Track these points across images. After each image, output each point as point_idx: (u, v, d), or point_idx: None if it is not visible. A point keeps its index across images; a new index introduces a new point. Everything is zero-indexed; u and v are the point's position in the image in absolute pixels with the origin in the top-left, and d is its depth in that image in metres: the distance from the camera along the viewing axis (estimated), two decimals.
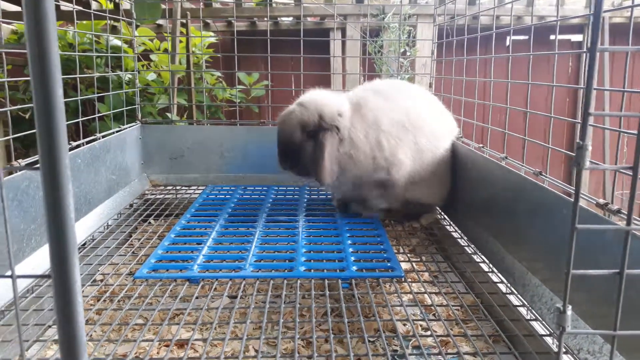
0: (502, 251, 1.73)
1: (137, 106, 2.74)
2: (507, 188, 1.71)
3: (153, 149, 2.75)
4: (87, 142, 2.17)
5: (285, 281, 1.62)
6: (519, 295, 1.56)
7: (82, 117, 2.17)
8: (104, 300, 1.53)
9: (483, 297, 1.59)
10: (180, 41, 4.47)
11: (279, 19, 6.47)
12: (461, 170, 2.15)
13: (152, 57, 4.71)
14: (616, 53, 6.79)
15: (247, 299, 1.63)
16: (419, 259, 1.91)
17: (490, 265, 1.77)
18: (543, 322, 1.39)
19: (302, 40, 2.68)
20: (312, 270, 1.68)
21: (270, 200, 2.47)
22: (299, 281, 1.61)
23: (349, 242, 1.92)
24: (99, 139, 2.27)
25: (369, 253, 1.84)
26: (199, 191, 2.69)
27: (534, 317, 1.43)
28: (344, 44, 6.44)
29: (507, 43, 2.22)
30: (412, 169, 2.10)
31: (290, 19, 6.59)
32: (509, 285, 1.62)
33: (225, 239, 1.96)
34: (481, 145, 2.05)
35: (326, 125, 2.02)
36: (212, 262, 1.75)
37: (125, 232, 2.13)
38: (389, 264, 1.72)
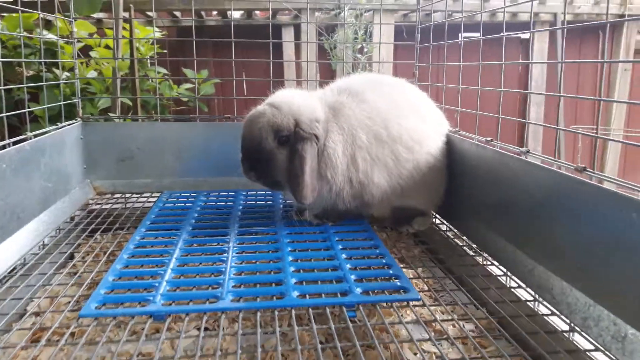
0: (528, 261, 1.46)
1: (77, 100, 2.32)
2: (536, 187, 1.43)
3: (97, 150, 2.34)
4: (15, 143, 1.76)
5: (277, 311, 1.28)
6: (563, 317, 1.29)
7: (6, 113, 1.75)
8: (40, 348, 1.15)
9: (502, 317, 1.31)
10: (123, 37, 4.05)
11: (228, 13, 6.10)
12: (463, 167, 1.87)
13: (92, 53, 4.27)
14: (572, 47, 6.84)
15: (228, 340, 1.29)
16: (408, 267, 1.65)
17: (515, 279, 1.50)
18: (608, 353, 1.12)
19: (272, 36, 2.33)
20: (308, 296, 1.35)
21: (240, 207, 2.12)
22: (293, 311, 1.28)
23: (344, 256, 1.60)
24: (30, 138, 1.85)
25: (371, 270, 1.52)
26: (153, 199, 2.30)
27: (594, 347, 1.16)
28: (297, 39, 6.14)
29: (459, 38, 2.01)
30: (390, 185, 1.82)
31: (241, 13, 6.23)
32: (546, 304, 1.35)
33: (193, 258, 1.59)
34: (489, 138, 1.77)
35: (305, 133, 1.71)
36: (180, 290, 1.39)
37: (65, 252, 1.74)
38: (398, 283, 1.41)
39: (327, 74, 6.13)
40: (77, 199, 2.18)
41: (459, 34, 2.05)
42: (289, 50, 5.99)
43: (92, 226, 1.96)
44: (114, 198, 2.33)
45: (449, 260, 1.72)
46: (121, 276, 1.46)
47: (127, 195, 2.37)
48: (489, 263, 1.64)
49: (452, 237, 1.90)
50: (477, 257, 1.70)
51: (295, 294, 1.34)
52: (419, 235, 1.95)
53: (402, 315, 1.30)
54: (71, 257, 1.76)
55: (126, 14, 4.01)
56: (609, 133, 7.00)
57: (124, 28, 4.09)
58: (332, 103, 1.84)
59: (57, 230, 1.91)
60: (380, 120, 1.81)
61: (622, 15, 6.61)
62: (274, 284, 1.42)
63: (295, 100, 1.78)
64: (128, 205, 2.24)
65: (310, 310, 1.28)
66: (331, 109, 1.82)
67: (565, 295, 1.29)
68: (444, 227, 2.00)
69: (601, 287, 1.19)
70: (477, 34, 1.94)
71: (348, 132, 1.78)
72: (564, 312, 1.27)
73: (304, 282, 1.43)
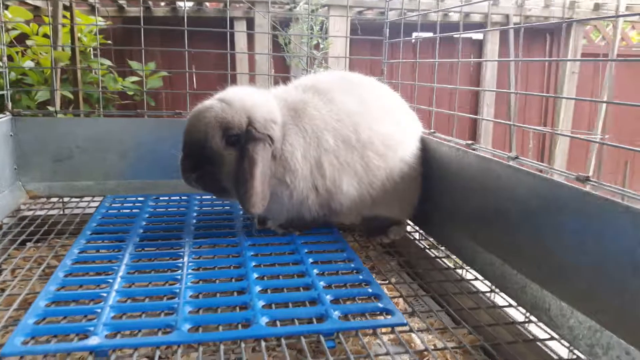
0: (519, 277, 1.33)
1: (5, 92, 2.04)
2: (529, 196, 1.29)
3: (30, 148, 2.07)
4: None
5: (243, 343, 1.09)
6: (562, 342, 1.16)
7: None
8: None
9: (497, 343, 1.18)
10: (64, 25, 3.73)
11: (177, 3, 5.80)
12: (442, 173, 1.73)
13: (29, 42, 3.92)
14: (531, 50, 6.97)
15: None
16: (385, 280, 1.50)
17: (503, 296, 1.37)
18: None
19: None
20: (279, 323, 1.16)
21: (195, 214, 1.90)
22: (262, 342, 1.09)
23: (316, 271, 1.42)
24: None
25: (348, 288, 1.35)
26: (95, 204, 2.05)
27: None
28: (250, 35, 5.89)
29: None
30: (360, 194, 1.65)
31: (190, 4, 5.94)
32: (542, 326, 1.22)
33: (141, 276, 1.38)
34: (470, 142, 1.63)
35: (258, 134, 1.51)
36: (126, 317, 1.18)
37: None
38: (380, 305, 1.25)
39: (282, 69, 5.94)
40: (7, 204, 1.91)
41: (413, 33, 1.92)
42: (241, 44, 5.75)
43: (24, 236, 1.71)
44: (50, 203, 2.06)
45: (428, 275, 1.57)
46: (54, 300, 1.23)
47: (65, 199, 2.10)
48: (472, 277, 1.51)
49: (427, 246, 1.76)
50: (458, 269, 1.57)
51: (264, 320, 1.15)
52: (392, 244, 1.80)
53: (386, 342, 1.14)
54: None
55: (66, 1, 3.68)
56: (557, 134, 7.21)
57: (64, 16, 3.76)
58: (294, 102, 1.65)
59: None
60: (350, 122, 1.63)
61: (570, 19, 6.76)
62: (238, 308, 1.23)
63: (250, 97, 1.59)
64: (66, 211, 1.99)
65: (282, 340, 1.10)
66: (292, 110, 1.62)
67: (566, 317, 1.16)
68: (417, 235, 1.86)
69: (611, 311, 1.06)
70: (430, 34, 1.81)
71: (312, 134, 1.60)
72: (565, 337, 1.15)
73: (273, 305, 1.24)
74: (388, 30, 2.24)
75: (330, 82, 1.74)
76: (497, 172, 1.40)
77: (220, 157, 1.52)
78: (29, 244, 1.70)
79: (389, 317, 1.21)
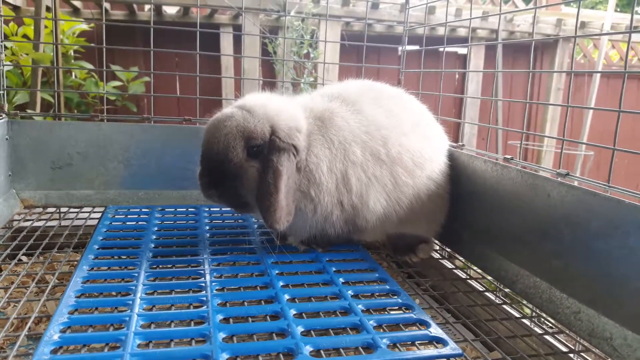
0: (571, 301, 1.25)
1: (2, 92, 1.88)
2: (588, 217, 1.21)
3: (27, 154, 1.92)
4: None
5: None
6: None
7: None
8: None
9: None
10: (46, 26, 3.57)
11: (163, 8, 5.65)
12: (473, 188, 1.64)
13: (8, 44, 3.75)
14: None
15: None
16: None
17: (552, 323, 1.28)
18: None
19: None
20: (324, 354, 1.06)
21: (206, 227, 1.78)
22: None
23: (350, 293, 1.32)
24: None
25: (390, 314, 1.25)
26: (96, 214, 1.91)
27: None
28: (237, 41, 5.75)
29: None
30: (386, 210, 1.55)
31: (177, 9, 5.79)
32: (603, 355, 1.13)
33: (162, 298, 1.25)
34: (508, 156, 1.55)
35: (282, 143, 1.40)
36: (153, 345, 1.06)
37: None
38: (431, 333, 1.15)
39: (270, 77, 5.84)
40: (1, 215, 1.76)
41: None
42: (227, 51, 5.61)
43: (22, 250, 1.57)
44: (47, 213, 1.91)
45: (460, 298, 1.48)
46: (71, 325, 1.10)
47: (63, 209, 1.96)
48: (509, 301, 1.42)
49: (454, 267, 1.67)
50: (487, 292, 1.48)
51: (309, 349, 1.04)
52: (416, 265, 1.70)
53: None
54: None
55: (49, 2, 3.53)
56: (543, 149, 7.27)
57: (45, 18, 3.60)
58: (320, 112, 1.54)
59: None
60: (379, 136, 1.53)
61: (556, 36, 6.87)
62: (275, 335, 1.12)
63: (273, 104, 1.48)
64: (65, 222, 1.84)
65: None
66: (318, 119, 1.52)
67: (632, 348, 1.08)
68: (441, 254, 1.77)
69: None
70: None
71: (339, 145, 1.49)
72: None
73: (313, 332, 1.13)
74: (407, 39, 2.16)
75: (358, 92, 1.64)
76: (547, 190, 1.31)
77: (242, 171, 1.41)
78: (26, 260, 1.57)
79: (440, 346, 1.11)
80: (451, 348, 1.09)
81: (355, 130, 1.52)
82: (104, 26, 2.03)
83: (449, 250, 1.76)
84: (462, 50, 7.21)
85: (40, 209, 1.93)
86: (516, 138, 7.29)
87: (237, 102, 1.53)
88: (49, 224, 1.81)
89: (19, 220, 1.82)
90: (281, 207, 1.37)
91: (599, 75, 6.71)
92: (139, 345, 1.03)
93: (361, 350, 1.08)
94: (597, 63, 6.97)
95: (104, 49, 2.02)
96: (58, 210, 1.94)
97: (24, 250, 1.58)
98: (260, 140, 1.41)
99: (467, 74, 6.93)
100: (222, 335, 1.08)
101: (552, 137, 6.52)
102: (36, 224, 1.79)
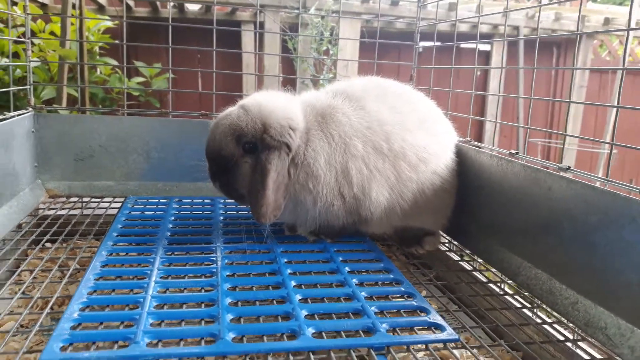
0: (569, 292, 1.28)
1: (29, 87, 1.98)
2: (588, 211, 1.24)
3: (52, 146, 2.01)
4: None
5: (291, 355, 1.04)
6: None
7: None
8: None
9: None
10: (72, 24, 3.68)
11: (185, 6, 5.75)
12: (479, 182, 1.68)
13: (36, 40, 3.87)
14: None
15: None
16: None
17: (554, 314, 1.32)
18: None
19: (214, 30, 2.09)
20: (325, 335, 1.11)
21: (220, 218, 1.85)
22: (311, 355, 1.04)
23: (355, 281, 1.37)
24: None
25: (392, 301, 1.30)
26: (116, 204, 2.00)
27: None
28: (259, 38, 5.83)
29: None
30: (390, 203, 1.59)
31: (199, 6, 5.89)
32: (599, 345, 1.17)
33: (175, 282, 1.32)
34: (513, 150, 1.59)
35: (272, 141, 1.47)
36: (165, 325, 1.13)
37: (11, 270, 1.43)
38: (430, 319, 1.20)
39: (290, 74, 5.90)
40: (26, 203, 1.85)
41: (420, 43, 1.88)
42: (249, 49, 5.69)
43: (46, 236, 1.65)
44: (70, 202, 2.01)
45: (462, 288, 1.52)
46: (88, 305, 1.18)
47: (85, 199, 2.05)
48: (511, 292, 1.46)
49: (459, 259, 1.71)
50: (491, 284, 1.52)
51: (311, 331, 1.10)
52: (418, 255, 1.74)
53: (420, 358, 1.09)
54: (18, 274, 1.45)
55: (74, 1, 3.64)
56: (564, 147, 7.23)
57: (72, 16, 3.71)
58: (322, 108, 1.60)
59: (2, 242, 1.59)
60: (381, 131, 1.57)
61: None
62: (281, 318, 1.18)
63: (270, 103, 1.54)
64: (87, 211, 1.93)
65: (332, 353, 1.04)
66: (319, 115, 1.58)
67: (625, 337, 1.11)
68: (446, 247, 1.81)
69: None
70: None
71: (339, 139, 1.54)
72: (626, 358, 1.09)
73: (316, 316, 1.19)
74: (419, 35, 2.19)
75: (364, 89, 1.68)
76: (548, 184, 1.35)
77: (236, 165, 1.50)
78: (50, 246, 1.65)
79: (438, 332, 1.16)
80: (448, 333, 1.14)
81: (356, 125, 1.57)
82: (124, 24, 2.10)
83: (456, 243, 1.80)
84: (483, 47, 7.17)
85: (64, 199, 2.03)
86: (537, 136, 7.25)
87: (243, 100, 1.60)
88: (72, 212, 1.90)
89: (44, 208, 1.91)
90: (268, 203, 1.45)
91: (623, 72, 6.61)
92: (151, 324, 1.10)
93: (361, 333, 1.13)
94: (624, 56, 6.87)
95: (124, 46, 2.09)
96: (80, 200, 2.03)
97: (48, 237, 1.66)
98: (251, 137, 1.48)
99: (489, 70, 6.93)
100: (229, 316, 1.14)
101: (556, 133, 6.42)
102: (60, 212, 1.89)
